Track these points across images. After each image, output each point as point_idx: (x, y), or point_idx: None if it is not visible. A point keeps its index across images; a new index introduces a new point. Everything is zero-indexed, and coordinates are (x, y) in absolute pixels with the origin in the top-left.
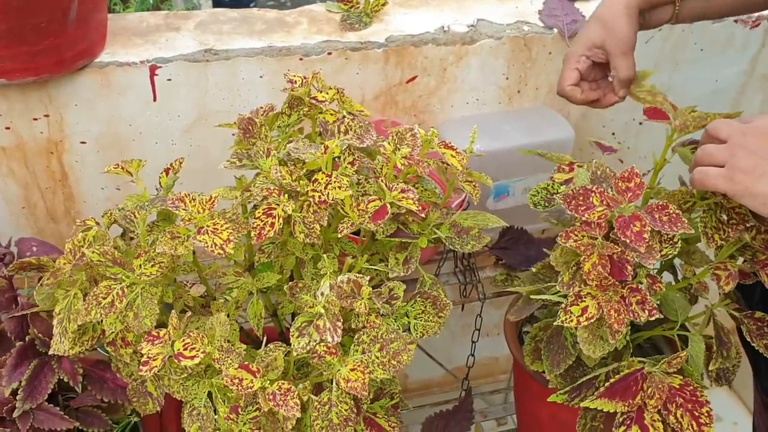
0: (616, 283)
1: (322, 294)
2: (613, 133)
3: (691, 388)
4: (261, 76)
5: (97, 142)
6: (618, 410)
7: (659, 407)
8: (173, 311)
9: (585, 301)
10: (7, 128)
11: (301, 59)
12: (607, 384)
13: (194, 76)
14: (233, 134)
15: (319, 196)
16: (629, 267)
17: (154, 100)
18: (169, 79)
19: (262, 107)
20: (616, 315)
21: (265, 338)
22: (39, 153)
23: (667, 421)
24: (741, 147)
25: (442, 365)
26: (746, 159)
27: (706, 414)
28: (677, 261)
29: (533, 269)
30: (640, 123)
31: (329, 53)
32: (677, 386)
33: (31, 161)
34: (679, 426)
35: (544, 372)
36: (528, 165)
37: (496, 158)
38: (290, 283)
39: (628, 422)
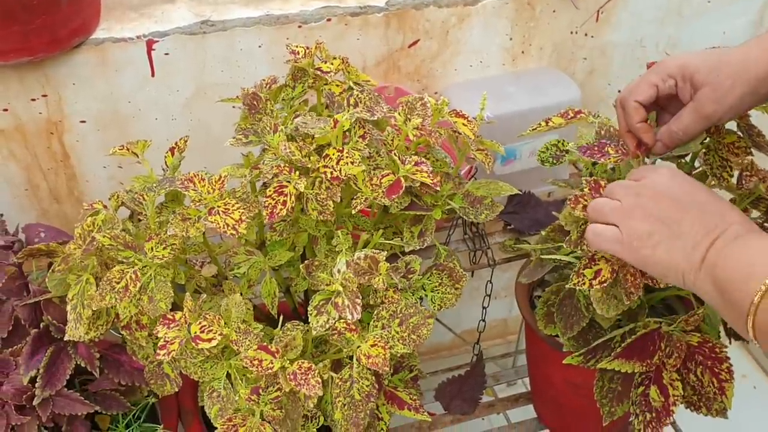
0: None
1: (338, 271)
2: (619, 91)
3: (710, 345)
4: (260, 46)
5: (97, 120)
6: (636, 370)
7: (678, 366)
8: (187, 293)
9: (598, 264)
10: (5, 110)
11: (299, 27)
12: (624, 344)
13: (192, 49)
14: (233, 107)
15: (332, 172)
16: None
17: (152, 75)
18: (167, 54)
19: (264, 80)
20: (632, 279)
21: (281, 317)
22: (39, 134)
23: (687, 380)
24: (637, 208)
25: (451, 330)
26: (642, 223)
27: (726, 370)
28: None
29: (543, 232)
30: None
31: (328, 19)
32: (696, 344)
33: (31, 142)
34: (700, 383)
35: (557, 336)
36: None
37: (502, 122)
38: (306, 261)
39: (647, 382)
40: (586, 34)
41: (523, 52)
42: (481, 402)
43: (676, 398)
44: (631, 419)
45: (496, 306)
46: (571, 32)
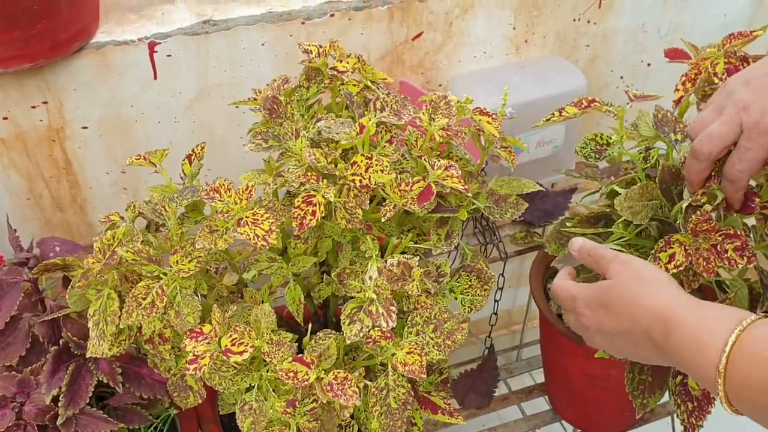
0: (710, 229)
1: (370, 278)
2: (622, 77)
3: None
4: (263, 44)
5: (99, 125)
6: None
7: None
8: (214, 306)
9: (673, 248)
10: (5, 118)
11: (303, 23)
12: None
13: (194, 49)
14: (237, 107)
15: (360, 181)
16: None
17: (155, 78)
18: (169, 55)
19: (275, 80)
20: (704, 264)
21: (310, 325)
22: (40, 142)
23: None
24: (574, 313)
25: None
26: (580, 329)
27: None
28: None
29: (569, 225)
30: (648, 64)
31: (332, 15)
32: None
33: (32, 151)
34: None
35: None
36: (541, 117)
37: (515, 111)
38: (338, 270)
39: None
40: (588, 21)
41: (526, 41)
42: (495, 395)
43: None
44: (674, 409)
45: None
46: (574, 20)
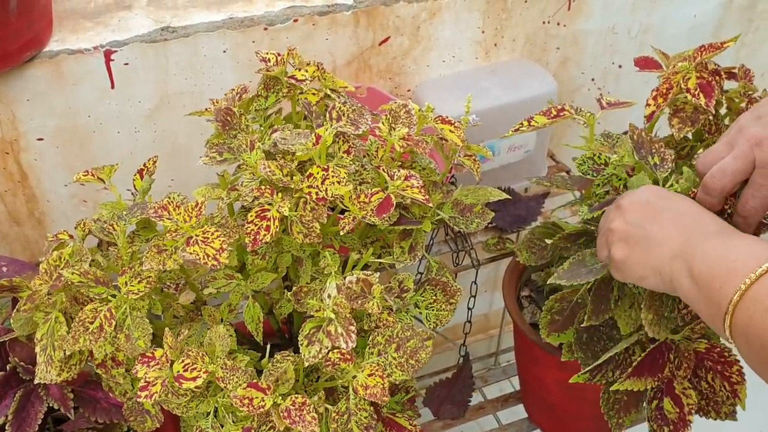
0: None
1: (329, 296)
2: (593, 79)
3: (718, 350)
4: (224, 51)
5: (55, 137)
6: (648, 386)
7: (689, 375)
8: (167, 329)
9: None
10: None
11: (265, 29)
12: (634, 365)
13: (152, 57)
14: (207, 120)
15: (317, 193)
16: None
17: (112, 87)
18: (126, 64)
19: (233, 89)
20: None
21: (269, 346)
22: None
23: (699, 387)
24: (616, 219)
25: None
26: (619, 231)
27: (737, 373)
28: None
29: (547, 240)
30: (620, 66)
31: (295, 20)
32: (704, 350)
33: None
34: (711, 389)
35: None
36: (512, 122)
37: (479, 118)
38: (294, 288)
39: (660, 395)
40: (558, 24)
41: (495, 44)
42: (470, 404)
43: (691, 407)
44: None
45: (476, 302)
46: (544, 22)
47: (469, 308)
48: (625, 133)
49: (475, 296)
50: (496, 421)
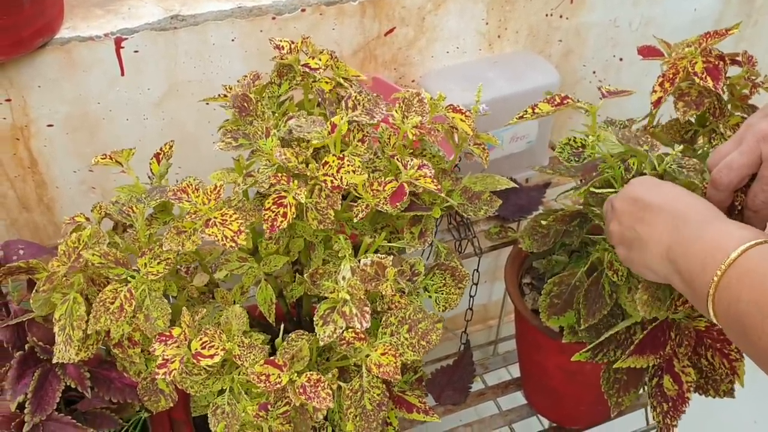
0: None
1: (343, 278)
2: (594, 72)
3: (718, 328)
4: (233, 40)
5: (65, 123)
6: (650, 364)
7: (689, 353)
8: (183, 308)
9: None
10: None
11: (273, 18)
12: (635, 341)
13: (162, 45)
14: (207, 104)
15: (332, 181)
16: None
17: (122, 74)
18: (136, 51)
19: (246, 76)
20: None
21: (282, 325)
22: (3, 140)
23: (699, 365)
24: (612, 220)
25: None
26: (616, 231)
27: (735, 350)
28: None
29: (542, 221)
30: (621, 59)
31: (303, 10)
32: (703, 329)
33: None
34: (711, 367)
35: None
36: (515, 113)
37: (488, 107)
38: (311, 270)
39: (660, 373)
40: (561, 16)
41: (499, 36)
42: (471, 391)
43: (689, 385)
44: (649, 411)
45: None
46: (547, 14)
47: (471, 296)
48: (608, 121)
49: (477, 284)
50: (497, 407)
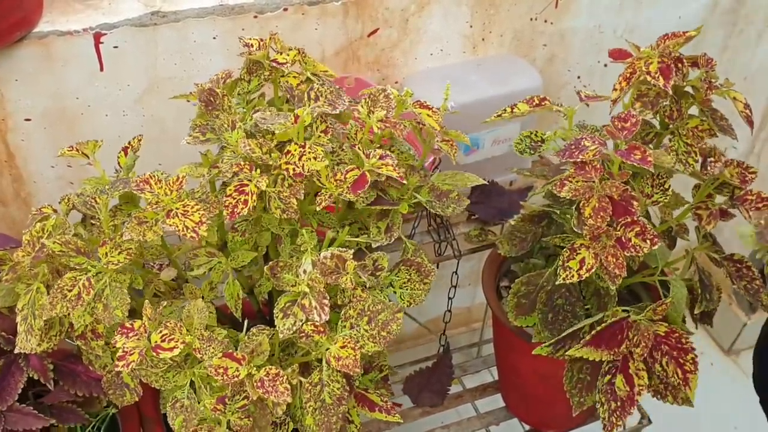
0: (608, 228)
1: (304, 271)
2: (579, 77)
3: (677, 335)
4: (214, 38)
5: (43, 118)
6: (603, 359)
7: (645, 355)
8: (146, 300)
9: (580, 253)
10: None
11: (255, 17)
12: (593, 333)
13: (142, 41)
14: (188, 101)
15: (294, 169)
16: (635, 203)
17: (101, 69)
18: (116, 47)
19: (218, 74)
20: (614, 260)
21: (246, 321)
22: None
23: (653, 370)
24: None
25: (415, 319)
26: None
27: (691, 361)
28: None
29: (512, 222)
30: (605, 65)
31: (285, 9)
32: (662, 333)
33: None
34: (665, 374)
35: (525, 327)
36: None
37: (464, 111)
38: (270, 263)
39: (614, 371)
40: (545, 21)
41: (483, 39)
42: (449, 393)
43: (641, 388)
44: (597, 407)
45: (459, 294)
46: (531, 19)
47: (449, 298)
48: (579, 125)
49: (455, 286)
50: (474, 409)
